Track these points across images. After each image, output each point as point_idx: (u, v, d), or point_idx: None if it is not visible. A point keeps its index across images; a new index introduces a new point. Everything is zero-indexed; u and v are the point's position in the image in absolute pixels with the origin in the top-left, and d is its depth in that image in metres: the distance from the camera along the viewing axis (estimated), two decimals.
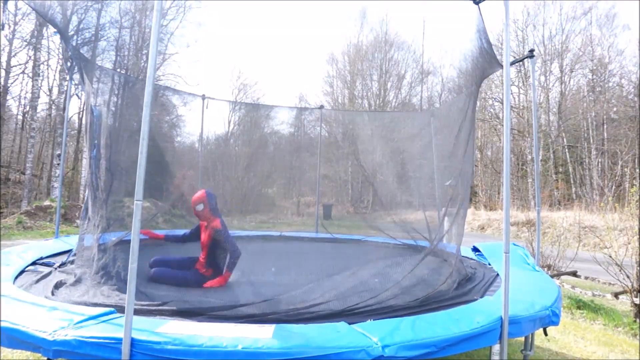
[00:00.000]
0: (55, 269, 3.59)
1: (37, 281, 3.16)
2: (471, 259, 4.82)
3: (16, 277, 3.21)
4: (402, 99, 27.77)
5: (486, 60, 3.67)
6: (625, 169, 20.09)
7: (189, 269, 3.76)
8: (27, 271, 3.48)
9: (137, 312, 2.12)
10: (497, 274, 3.86)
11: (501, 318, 2.39)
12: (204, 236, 3.84)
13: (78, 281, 3.01)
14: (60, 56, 15.53)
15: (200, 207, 3.81)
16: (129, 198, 4.16)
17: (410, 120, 8.49)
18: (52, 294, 2.80)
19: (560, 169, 23.61)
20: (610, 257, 5.45)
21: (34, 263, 3.72)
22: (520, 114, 24.26)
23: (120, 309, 2.27)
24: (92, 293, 2.75)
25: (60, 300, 2.62)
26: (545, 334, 3.39)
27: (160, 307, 2.54)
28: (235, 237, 5.23)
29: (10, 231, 10.66)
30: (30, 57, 16.23)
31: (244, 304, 2.67)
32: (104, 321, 2.15)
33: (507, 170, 2.58)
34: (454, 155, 4.52)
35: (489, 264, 4.42)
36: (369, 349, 1.96)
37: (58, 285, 2.99)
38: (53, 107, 17.29)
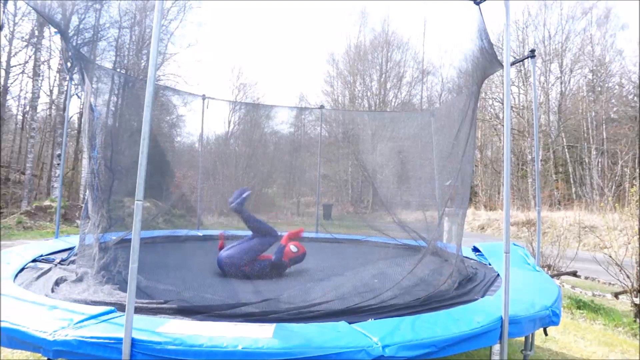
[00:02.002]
0: (56, 265, 3.60)
1: (38, 278, 3.16)
2: (471, 259, 4.82)
3: (16, 275, 3.21)
4: (402, 99, 27.78)
5: (487, 60, 3.67)
6: (625, 169, 20.09)
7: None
8: (27, 268, 3.49)
9: (137, 310, 2.12)
10: (498, 274, 3.86)
11: (501, 318, 2.39)
12: None
13: (79, 280, 3.02)
14: (61, 56, 15.54)
15: None
16: (129, 198, 4.17)
17: (410, 120, 8.48)
18: (53, 290, 2.81)
19: (560, 169, 23.62)
20: (610, 257, 5.45)
21: (34, 260, 3.73)
22: (520, 114, 24.27)
23: (120, 307, 2.27)
24: (92, 291, 2.75)
25: (60, 298, 2.62)
26: (546, 334, 3.39)
27: (160, 306, 2.54)
28: (236, 237, 5.24)
29: (10, 231, 10.66)
30: (30, 57, 16.24)
31: (244, 303, 2.67)
32: (104, 321, 2.15)
33: (507, 170, 2.58)
34: (453, 155, 4.53)
35: (489, 264, 4.42)
36: (369, 349, 1.96)
37: (59, 282, 2.99)
38: (53, 107, 17.29)
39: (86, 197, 3.85)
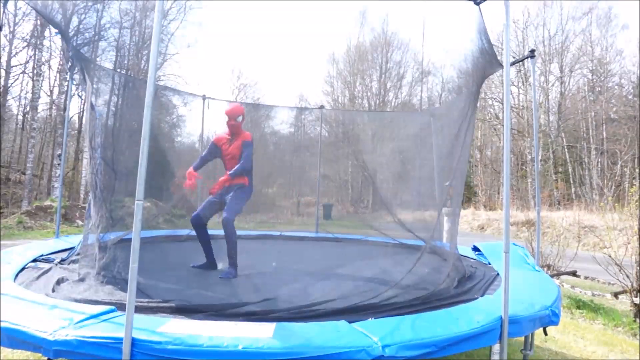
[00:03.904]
0: (56, 264, 3.60)
1: (38, 277, 3.16)
2: (471, 258, 4.83)
3: (17, 275, 3.22)
4: (402, 99, 27.80)
5: (487, 61, 3.68)
6: (625, 169, 20.12)
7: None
8: (27, 268, 3.49)
9: (137, 309, 2.13)
10: (497, 274, 3.86)
11: (501, 318, 2.39)
12: (232, 148, 4.04)
13: (81, 280, 3.02)
14: (62, 56, 15.54)
15: (240, 118, 4.08)
16: (129, 198, 4.17)
17: (410, 120, 8.50)
18: (53, 290, 2.81)
19: (560, 169, 23.63)
20: (610, 257, 5.45)
21: (34, 260, 3.73)
22: (520, 114, 24.28)
23: (121, 307, 2.27)
24: (93, 290, 2.76)
25: (61, 298, 2.62)
26: (545, 334, 3.39)
27: (160, 305, 2.54)
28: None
29: (10, 231, 10.66)
30: (30, 57, 16.25)
31: (245, 302, 2.67)
32: (104, 320, 2.15)
33: (507, 170, 2.58)
34: (452, 155, 4.53)
35: (489, 264, 4.43)
36: (369, 349, 1.96)
37: (59, 282, 3.00)
38: (53, 107, 17.30)
39: (89, 197, 3.85)
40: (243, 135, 4.05)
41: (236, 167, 3.96)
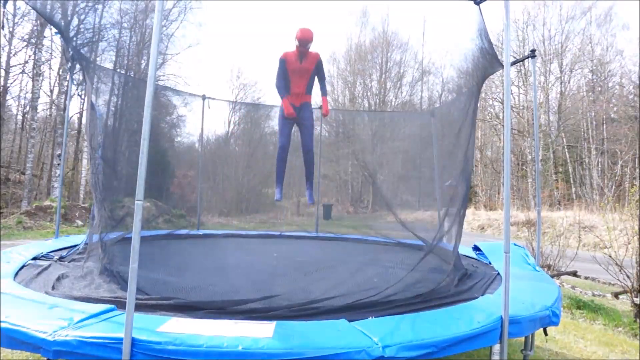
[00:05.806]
0: (55, 261, 3.61)
1: (38, 274, 3.18)
2: (472, 257, 4.82)
3: (16, 273, 3.22)
4: (402, 99, 27.78)
5: (487, 60, 3.68)
6: (625, 169, 20.11)
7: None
8: (27, 265, 3.50)
9: (137, 307, 2.12)
10: (498, 273, 3.86)
11: (501, 318, 2.39)
12: (305, 64, 4.16)
13: (82, 277, 3.03)
14: (62, 56, 15.53)
15: (309, 45, 4.10)
16: (129, 198, 4.17)
17: (410, 120, 8.51)
18: (53, 287, 2.81)
19: (560, 169, 23.61)
20: (610, 257, 5.45)
21: (34, 258, 3.74)
22: (520, 114, 24.27)
23: (120, 305, 2.27)
24: (94, 287, 2.77)
25: (61, 295, 2.62)
26: (546, 334, 3.39)
27: (160, 302, 2.54)
28: (235, 237, 5.23)
29: (10, 231, 10.65)
30: (30, 57, 16.23)
31: (245, 300, 2.66)
32: (104, 319, 2.15)
33: (507, 170, 2.58)
34: (454, 155, 4.53)
35: (490, 263, 4.43)
36: (369, 350, 1.96)
37: (60, 278, 3.00)
38: (53, 107, 17.29)
39: (94, 197, 3.86)
40: (313, 53, 4.15)
41: (324, 87, 4.27)
